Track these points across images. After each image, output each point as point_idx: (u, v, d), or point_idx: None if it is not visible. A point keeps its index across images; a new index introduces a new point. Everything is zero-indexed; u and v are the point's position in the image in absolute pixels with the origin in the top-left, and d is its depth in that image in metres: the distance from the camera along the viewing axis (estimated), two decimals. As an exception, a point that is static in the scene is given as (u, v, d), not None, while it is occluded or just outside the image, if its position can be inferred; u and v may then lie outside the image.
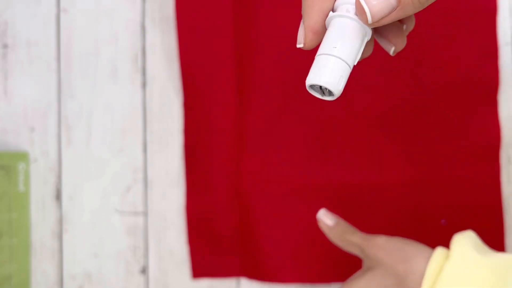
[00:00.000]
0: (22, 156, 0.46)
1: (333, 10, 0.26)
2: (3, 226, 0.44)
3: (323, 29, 0.26)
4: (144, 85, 0.47)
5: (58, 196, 0.46)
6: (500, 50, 0.44)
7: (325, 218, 0.39)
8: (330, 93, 0.25)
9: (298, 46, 0.27)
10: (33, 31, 0.47)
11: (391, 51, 0.28)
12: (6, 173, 0.44)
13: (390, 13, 0.24)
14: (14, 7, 0.47)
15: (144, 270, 0.46)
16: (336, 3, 0.26)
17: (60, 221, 0.46)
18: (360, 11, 0.24)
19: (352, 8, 0.25)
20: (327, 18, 0.26)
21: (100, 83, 0.47)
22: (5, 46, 0.47)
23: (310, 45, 0.26)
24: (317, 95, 0.26)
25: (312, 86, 0.26)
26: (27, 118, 0.46)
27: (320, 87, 0.25)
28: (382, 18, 0.24)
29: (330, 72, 0.25)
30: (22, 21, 0.47)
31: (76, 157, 0.46)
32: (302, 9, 0.27)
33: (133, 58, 0.47)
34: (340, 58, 0.25)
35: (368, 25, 0.24)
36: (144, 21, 0.47)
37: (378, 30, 0.28)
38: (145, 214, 0.46)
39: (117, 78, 0.47)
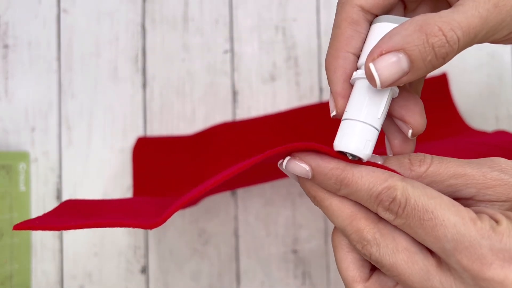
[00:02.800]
0: (23, 156, 0.46)
1: (357, 68, 0.26)
2: (4, 226, 0.44)
3: (351, 91, 0.26)
4: (144, 85, 0.47)
5: (59, 196, 0.46)
6: (500, 50, 0.45)
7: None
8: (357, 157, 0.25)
9: (332, 115, 0.26)
10: (34, 31, 0.47)
11: (409, 133, 0.26)
12: (6, 173, 0.44)
13: (401, 77, 0.23)
14: (15, 7, 0.47)
15: (144, 270, 0.46)
16: (359, 61, 0.26)
17: (61, 221, 0.46)
18: (369, 76, 0.23)
19: None
20: (351, 79, 0.26)
21: (101, 83, 0.47)
22: (6, 46, 0.47)
23: (342, 111, 0.26)
24: (348, 156, 0.25)
25: (339, 151, 0.25)
26: (27, 118, 0.46)
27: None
28: (393, 83, 0.23)
29: (356, 139, 0.24)
30: (23, 22, 0.47)
31: (77, 157, 0.46)
32: (327, 76, 0.27)
33: (133, 58, 0.47)
34: (366, 123, 0.24)
35: (377, 88, 0.24)
36: (144, 22, 0.47)
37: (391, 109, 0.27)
38: (145, 214, 0.46)
39: (117, 78, 0.47)
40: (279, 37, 0.47)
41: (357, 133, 0.24)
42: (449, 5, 0.27)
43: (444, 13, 0.23)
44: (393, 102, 0.26)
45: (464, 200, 0.25)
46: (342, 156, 0.25)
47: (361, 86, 0.25)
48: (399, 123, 0.26)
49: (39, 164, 0.46)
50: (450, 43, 0.23)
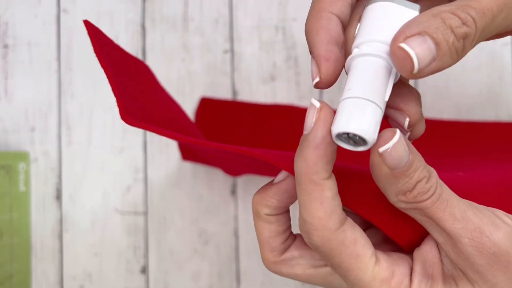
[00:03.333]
0: (23, 156, 0.46)
1: (350, 47, 0.23)
2: (4, 226, 0.44)
3: (338, 57, 0.23)
4: (144, 85, 0.47)
5: (59, 196, 0.46)
6: (500, 50, 0.45)
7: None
8: (362, 142, 0.21)
9: (314, 82, 0.23)
10: (34, 31, 0.47)
11: (406, 123, 0.24)
12: (6, 173, 0.44)
13: (431, 63, 0.21)
14: (15, 7, 0.47)
15: (144, 270, 0.46)
16: (356, 41, 0.23)
17: (61, 221, 0.46)
18: (402, 59, 0.20)
19: (379, 46, 0.22)
20: (349, 58, 0.23)
21: (101, 83, 0.47)
22: (6, 46, 0.47)
23: (327, 76, 0.23)
24: (345, 145, 0.21)
25: (339, 136, 0.21)
26: (27, 118, 0.46)
27: (348, 135, 0.21)
28: (425, 67, 0.20)
29: (363, 118, 0.20)
30: (23, 22, 0.47)
31: (77, 157, 0.46)
32: (308, 39, 0.24)
33: (133, 58, 0.47)
34: (373, 102, 0.21)
35: (409, 76, 0.20)
36: (144, 22, 0.47)
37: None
38: (145, 214, 0.46)
39: (117, 78, 0.47)
40: (279, 37, 0.47)
41: (363, 112, 0.20)
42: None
43: (453, 2, 0.22)
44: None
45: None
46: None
47: (365, 65, 0.22)
48: (394, 113, 0.24)
49: (39, 164, 0.46)
50: (467, 24, 0.21)
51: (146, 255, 0.46)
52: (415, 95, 0.25)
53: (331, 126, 0.21)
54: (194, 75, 0.47)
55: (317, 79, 0.23)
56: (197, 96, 0.47)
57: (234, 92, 0.47)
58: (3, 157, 0.44)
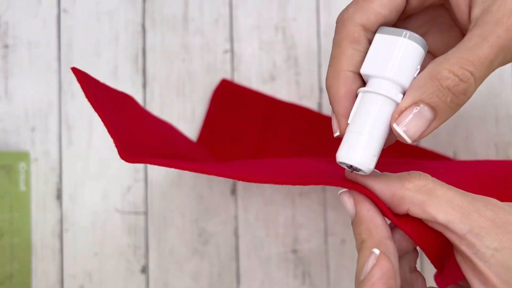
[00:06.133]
0: (23, 156, 0.46)
1: (360, 82, 0.26)
2: (4, 226, 0.44)
3: None
4: (144, 85, 0.47)
5: (59, 196, 0.46)
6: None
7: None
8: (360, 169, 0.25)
9: (335, 135, 0.26)
10: (34, 31, 0.47)
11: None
12: (6, 172, 0.44)
13: (429, 125, 0.24)
14: (15, 7, 0.47)
15: (144, 270, 0.46)
16: (362, 71, 0.26)
17: (61, 220, 0.46)
18: (398, 135, 0.24)
19: (384, 83, 0.25)
20: (358, 90, 0.26)
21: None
22: (6, 46, 0.47)
23: (344, 130, 0.26)
24: (346, 168, 0.26)
25: (341, 162, 0.25)
26: (28, 118, 0.47)
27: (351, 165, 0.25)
28: (423, 133, 0.24)
29: (362, 153, 0.24)
30: (23, 22, 0.47)
31: (77, 157, 0.46)
32: (329, 95, 0.27)
33: (133, 58, 0.47)
34: (372, 137, 0.24)
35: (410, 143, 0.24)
36: (144, 22, 0.47)
37: None
38: (146, 213, 0.46)
39: (117, 78, 0.47)
40: (279, 37, 0.47)
41: (363, 147, 0.24)
42: (451, 19, 0.27)
43: (452, 53, 0.24)
44: None
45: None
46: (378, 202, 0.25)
47: (367, 100, 0.25)
48: None
49: (39, 164, 0.46)
50: (465, 80, 0.23)
51: (146, 255, 0.46)
52: None
53: (387, 271, 0.24)
54: (194, 75, 0.47)
55: (337, 133, 0.26)
56: (197, 96, 0.47)
57: (234, 92, 0.47)
58: (3, 157, 0.44)
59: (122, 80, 0.47)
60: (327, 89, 0.27)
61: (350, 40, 0.26)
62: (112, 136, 0.26)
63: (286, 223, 0.46)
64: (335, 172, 0.28)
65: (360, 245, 0.25)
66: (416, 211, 0.25)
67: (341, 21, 0.27)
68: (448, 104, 0.24)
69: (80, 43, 0.47)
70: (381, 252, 0.24)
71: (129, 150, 0.26)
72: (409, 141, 0.24)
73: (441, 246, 0.26)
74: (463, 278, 0.28)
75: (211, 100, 0.46)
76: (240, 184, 0.46)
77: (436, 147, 0.46)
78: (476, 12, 0.24)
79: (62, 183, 0.46)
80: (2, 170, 0.44)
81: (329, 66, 0.27)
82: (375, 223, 0.25)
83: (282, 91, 0.47)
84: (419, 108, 0.24)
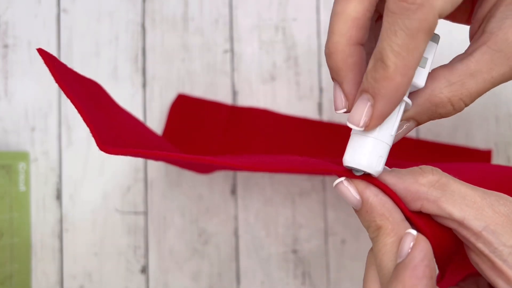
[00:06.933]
0: (23, 156, 0.46)
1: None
2: (4, 226, 0.44)
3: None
4: (144, 85, 0.47)
5: (59, 196, 0.46)
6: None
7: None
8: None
9: (342, 111, 0.25)
10: (34, 31, 0.47)
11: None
12: (6, 172, 0.44)
13: (406, 133, 0.25)
14: (15, 7, 0.47)
15: (144, 270, 0.46)
16: None
17: (61, 220, 0.46)
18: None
19: None
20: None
21: (101, 83, 0.47)
22: (6, 46, 0.47)
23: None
24: (355, 172, 0.25)
25: (349, 166, 0.24)
26: (27, 118, 0.46)
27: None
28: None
29: (369, 156, 0.24)
30: (23, 21, 0.47)
31: (77, 157, 0.46)
32: (336, 73, 0.25)
33: (133, 58, 0.47)
34: (380, 140, 0.24)
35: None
36: (144, 22, 0.47)
37: None
38: (145, 213, 0.46)
39: (117, 78, 0.47)
40: (279, 37, 0.47)
41: (370, 150, 0.24)
42: None
43: (455, 75, 0.24)
44: None
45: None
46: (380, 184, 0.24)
47: None
48: None
49: (39, 164, 0.46)
50: (458, 110, 0.25)
51: (146, 255, 0.46)
52: None
53: (428, 252, 0.23)
54: (194, 75, 0.47)
55: (344, 110, 0.25)
56: (197, 96, 0.47)
57: (234, 92, 0.47)
58: (3, 157, 0.44)
59: (122, 80, 0.47)
60: (333, 63, 0.24)
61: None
62: (88, 125, 0.23)
63: (286, 223, 0.46)
64: (334, 164, 0.27)
65: (377, 232, 0.24)
66: (430, 207, 0.24)
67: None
68: (430, 119, 0.25)
69: (80, 43, 0.47)
70: (419, 233, 0.23)
71: (108, 141, 0.24)
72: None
73: (449, 247, 0.25)
74: (460, 279, 0.27)
75: (168, 116, 0.46)
76: (240, 184, 0.46)
77: (436, 147, 0.46)
78: (491, 27, 0.24)
79: (62, 183, 0.46)
80: (2, 170, 0.44)
81: (332, 31, 0.24)
82: (387, 207, 0.24)
83: (282, 91, 0.47)
84: (408, 124, 0.25)
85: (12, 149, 0.46)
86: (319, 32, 0.47)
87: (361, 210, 0.25)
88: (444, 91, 0.24)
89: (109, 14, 0.47)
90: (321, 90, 0.47)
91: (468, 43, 0.26)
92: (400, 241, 0.23)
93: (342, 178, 0.25)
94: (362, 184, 0.25)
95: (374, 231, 0.24)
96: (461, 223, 0.23)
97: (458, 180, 0.24)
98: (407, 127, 0.25)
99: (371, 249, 0.26)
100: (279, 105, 0.47)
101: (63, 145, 0.46)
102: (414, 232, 0.23)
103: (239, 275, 0.46)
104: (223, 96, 0.47)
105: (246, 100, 0.47)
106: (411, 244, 0.23)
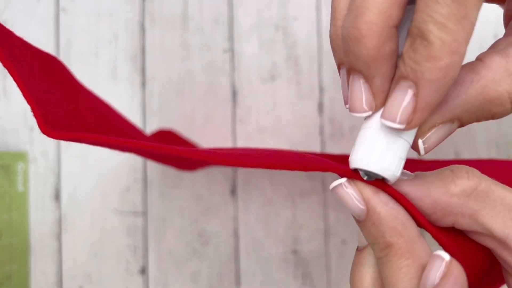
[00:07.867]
0: (21, 156, 0.45)
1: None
2: (3, 226, 0.43)
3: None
4: (143, 84, 0.47)
5: (58, 196, 0.46)
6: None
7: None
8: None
9: (364, 114, 0.19)
10: (33, 30, 0.47)
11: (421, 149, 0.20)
12: (5, 173, 0.44)
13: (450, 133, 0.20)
14: (13, 6, 0.47)
15: (143, 270, 0.46)
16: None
17: (60, 221, 0.46)
18: (415, 148, 0.19)
19: None
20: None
21: (100, 83, 0.46)
22: (5, 45, 0.47)
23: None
24: (363, 176, 0.19)
25: (357, 168, 0.19)
26: (26, 118, 0.46)
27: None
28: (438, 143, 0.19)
29: (387, 156, 0.18)
30: (21, 21, 0.47)
31: (76, 157, 0.46)
32: (365, 64, 0.18)
33: (132, 57, 0.47)
34: (401, 137, 0.18)
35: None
36: (144, 21, 0.47)
37: None
38: (145, 214, 0.46)
39: (116, 78, 0.47)
40: (279, 36, 0.47)
41: (390, 149, 0.18)
42: None
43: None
44: None
45: None
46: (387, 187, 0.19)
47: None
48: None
49: (37, 164, 0.46)
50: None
51: (145, 255, 0.46)
52: None
53: (463, 285, 0.18)
54: (194, 75, 0.47)
55: (369, 112, 0.19)
56: (197, 96, 0.47)
57: (234, 92, 0.47)
58: (2, 157, 0.44)
59: (121, 80, 0.46)
60: (359, 39, 0.18)
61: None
62: (29, 103, 0.19)
63: (286, 223, 0.46)
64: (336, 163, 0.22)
65: (387, 251, 0.19)
66: (465, 223, 0.19)
67: None
68: (478, 119, 0.20)
69: (79, 42, 0.47)
70: (452, 258, 0.18)
71: (55, 123, 0.20)
72: (422, 153, 0.19)
73: (483, 270, 0.20)
74: None
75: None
76: (240, 185, 0.46)
77: (437, 147, 0.46)
78: None
79: (61, 183, 0.46)
80: (1, 170, 0.43)
81: (362, 23, 0.18)
82: (401, 219, 0.19)
83: (282, 90, 0.47)
84: (452, 125, 0.20)
85: (11, 149, 0.46)
86: (320, 31, 0.47)
87: (365, 222, 0.19)
88: (502, 83, 0.19)
89: (108, 13, 0.47)
90: (321, 89, 0.47)
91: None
92: (417, 264, 0.18)
93: (343, 180, 0.19)
94: (368, 189, 0.19)
95: (382, 249, 0.19)
96: (502, 242, 0.18)
97: (501, 184, 0.19)
98: (450, 129, 0.19)
99: (361, 250, 0.21)
100: (279, 104, 0.47)
101: (62, 145, 0.46)
102: (445, 256, 0.18)
103: (239, 275, 0.46)
104: (222, 95, 0.47)
105: (246, 99, 0.47)
106: (441, 271, 0.18)
